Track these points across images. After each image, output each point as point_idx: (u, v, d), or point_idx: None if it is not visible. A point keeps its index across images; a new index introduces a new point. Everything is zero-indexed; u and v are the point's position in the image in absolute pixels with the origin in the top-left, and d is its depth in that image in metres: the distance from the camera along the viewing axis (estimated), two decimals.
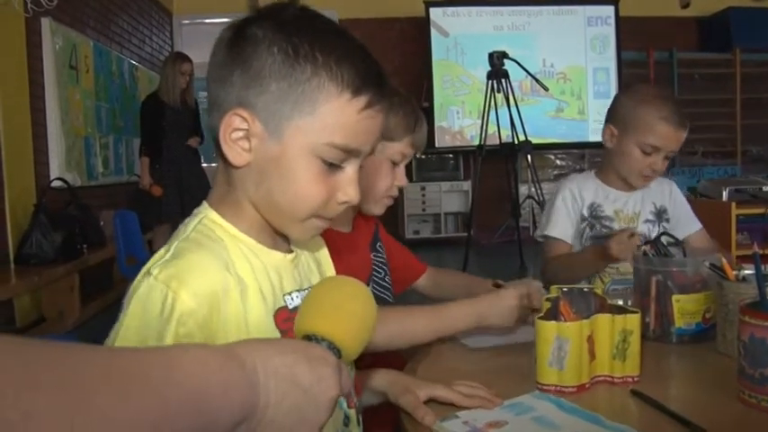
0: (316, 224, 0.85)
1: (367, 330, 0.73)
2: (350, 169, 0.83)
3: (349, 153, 0.81)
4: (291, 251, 0.91)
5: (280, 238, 0.90)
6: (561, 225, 1.82)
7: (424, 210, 7.48)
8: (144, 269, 0.77)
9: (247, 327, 0.80)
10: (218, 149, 0.82)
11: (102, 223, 4.73)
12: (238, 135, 0.80)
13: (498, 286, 1.43)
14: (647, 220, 1.82)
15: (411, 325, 1.22)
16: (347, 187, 0.82)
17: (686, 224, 1.87)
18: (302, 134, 0.78)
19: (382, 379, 1.06)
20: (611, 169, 1.84)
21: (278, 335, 0.83)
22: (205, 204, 0.87)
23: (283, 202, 0.82)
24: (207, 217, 0.84)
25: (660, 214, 1.85)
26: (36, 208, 3.96)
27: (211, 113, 0.83)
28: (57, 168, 4.53)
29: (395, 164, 1.33)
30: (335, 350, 0.68)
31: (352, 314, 0.72)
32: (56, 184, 4.39)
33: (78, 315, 4.13)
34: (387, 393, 1.04)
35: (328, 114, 0.78)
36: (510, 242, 6.25)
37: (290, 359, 0.61)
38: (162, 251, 0.79)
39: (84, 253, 4.20)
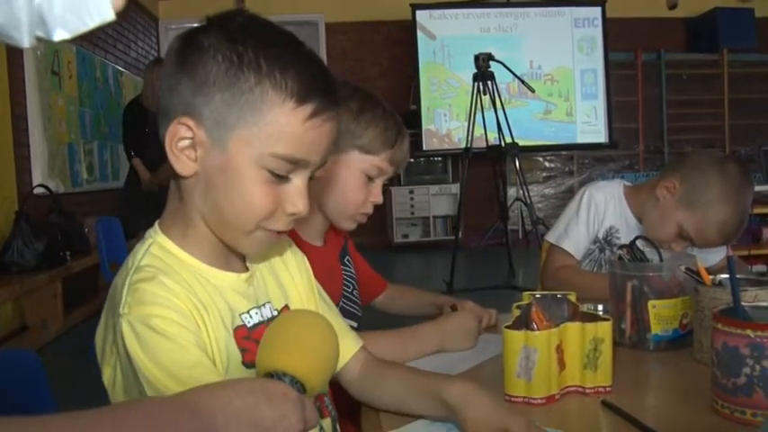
0: (263, 237, 0.83)
1: (330, 360, 0.73)
2: (298, 181, 0.81)
3: (295, 164, 0.79)
4: (246, 269, 0.90)
5: (233, 257, 0.89)
6: (576, 241, 1.74)
7: (412, 213, 7.46)
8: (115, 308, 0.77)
9: (211, 346, 0.80)
10: (167, 160, 0.80)
11: (86, 230, 4.68)
12: (184, 144, 0.79)
13: (455, 308, 1.41)
14: None
15: (381, 348, 1.18)
16: (295, 198, 0.81)
17: (713, 255, 1.72)
18: (247, 144, 0.77)
19: (456, 393, 0.88)
20: (644, 202, 1.69)
21: (239, 354, 0.83)
22: (156, 227, 0.86)
23: (229, 214, 0.80)
24: (156, 242, 0.83)
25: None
26: (17, 215, 3.93)
27: (161, 123, 0.81)
28: (39, 175, 4.49)
29: (370, 179, 1.28)
30: (298, 384, 0.68)
31: (312, 346, 0.71)
32: (38, 191, 4.35)
33: (62, 323, 4.10)
34: (458, 412, 0.86)
35: (272, 124, 0.77)
36: (498, 245, 6.24)
37: (250, 401, 0.62)
38: (120, 285, 0.78)
39: (68, 260, 4.18)
